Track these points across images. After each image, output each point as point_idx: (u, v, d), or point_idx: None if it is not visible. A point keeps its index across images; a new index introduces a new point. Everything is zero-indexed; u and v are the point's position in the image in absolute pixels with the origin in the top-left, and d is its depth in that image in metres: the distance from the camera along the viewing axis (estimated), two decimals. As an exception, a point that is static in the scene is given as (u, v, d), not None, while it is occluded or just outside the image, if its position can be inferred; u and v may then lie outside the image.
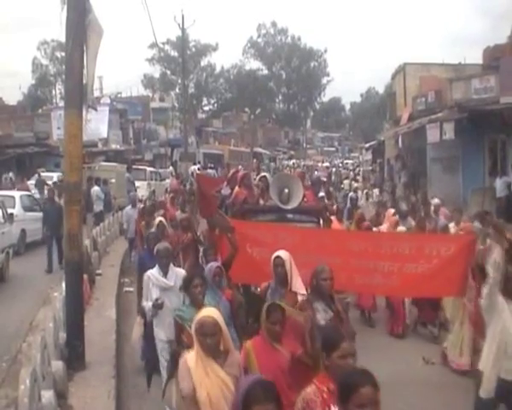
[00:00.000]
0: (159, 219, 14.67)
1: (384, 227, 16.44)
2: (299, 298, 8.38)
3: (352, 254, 11.06)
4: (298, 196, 13.07)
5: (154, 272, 9.92)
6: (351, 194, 28.24)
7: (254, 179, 16.85)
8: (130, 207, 22.60)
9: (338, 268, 9.16)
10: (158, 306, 9.58)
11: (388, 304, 14.55)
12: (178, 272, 9.96)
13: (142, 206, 21.34)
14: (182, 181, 40.51)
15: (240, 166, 72.00)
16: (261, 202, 14.33)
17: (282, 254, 8.72)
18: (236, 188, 15.21)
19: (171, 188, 26.77)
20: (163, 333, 9.65)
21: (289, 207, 12.95)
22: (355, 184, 41.21)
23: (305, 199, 14.75)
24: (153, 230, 13.77)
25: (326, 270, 8.14)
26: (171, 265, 10.17)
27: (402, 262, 10.93)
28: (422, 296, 12.90)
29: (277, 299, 7.88)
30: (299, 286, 8.58)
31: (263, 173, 17.69)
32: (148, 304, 9.82)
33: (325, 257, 9.92)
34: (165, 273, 9.88)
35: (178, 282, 9.30)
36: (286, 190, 13.06)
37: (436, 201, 19.05)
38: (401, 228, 15.70)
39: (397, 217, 16.89)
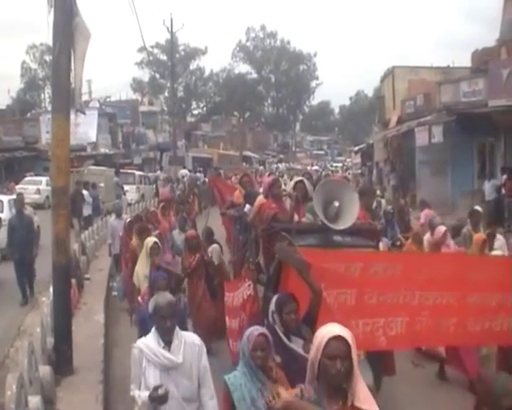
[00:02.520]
0: (152, 240, 12.01)
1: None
2: None
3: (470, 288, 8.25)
4: (352, 211, 9.68)
5: (149, 343, 6.39)
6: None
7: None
8: (114, 217, 20.52)
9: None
10: (160, 398, 6.13)
11: None
12: (189, 339, 6.47)
13: (128, 219, 17.47)
14: (172, 187, 40.35)
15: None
16: (295, 218, 10.53)
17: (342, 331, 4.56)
18: (260, 199, 11.07)
19: (163, 197, 23.93)
20: None
21: (341, 226, 9.50)
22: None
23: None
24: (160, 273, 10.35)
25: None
26: (177, 328, 6.45)
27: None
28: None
29: None
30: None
31: (298, 178, 12.47)
32: (141, 395, 6.38)
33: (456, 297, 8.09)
34: (167, 343, 6.33)
35: (190, 355, 6.38)
36: (336, 204, 9.66)
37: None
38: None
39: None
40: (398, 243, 15.32)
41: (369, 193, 11.91)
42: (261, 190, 12.89)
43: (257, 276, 10.24)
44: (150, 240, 12.05)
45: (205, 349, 6.55)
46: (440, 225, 13.61)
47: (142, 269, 11.90)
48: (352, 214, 9.59)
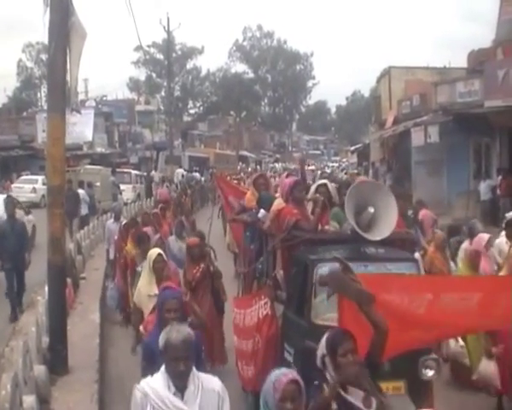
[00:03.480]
0: (156, 251, 10.17)
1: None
2: None
3: None
4: (390, 219, 8.60)
5: (157, 386, 5.18)
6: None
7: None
8: (112, 220, 19.51)
9: None
10: None
11: None
12: (207, 385, 5.24)
13: (124, 222, 16.62)
14: (167, 187, 40.22)
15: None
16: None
17: None
18: (279, 203, 9.68)
19: (161, 198, 22.42)
20: None
21: (377, 237, 8.49)
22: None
23: None
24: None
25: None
26: (193, 370, 5.20)
27: None
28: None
29: None
30: None
31: (322, 181, 11.38)
32: None
33: None
34: (180, 389, 5.12)
35: (209, 405, 5.20)
36: (370, 210, 8.54)
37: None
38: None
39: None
40: (422, 251, 13.01)
41: (404, 197, 10.59)
42: (277, 193, 11.30)
43: (275, 293, 9.08)
44: (154, 252, 10.02)
45: (227, 397, 5.30)
46: (482, 232, 12.40)
47: (145, 287, 9.89)
48: (389, 223, 8.57)
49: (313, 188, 10.42)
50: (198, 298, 10.55)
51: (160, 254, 9.88)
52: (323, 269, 7.82)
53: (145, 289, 9.83)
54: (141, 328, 8.42)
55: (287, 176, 12.42)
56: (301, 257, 8.83)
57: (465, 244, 12.71)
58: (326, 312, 7.84)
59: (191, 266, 11.20)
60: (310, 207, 9.75)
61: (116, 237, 16.36)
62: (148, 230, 14.47)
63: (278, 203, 9.64)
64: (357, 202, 8.59)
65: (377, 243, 8.44)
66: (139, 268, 11.54)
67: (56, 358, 10.77)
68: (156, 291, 8.67)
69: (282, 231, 9.11)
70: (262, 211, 10.05)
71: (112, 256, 17.59)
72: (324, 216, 9.49)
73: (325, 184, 10.42)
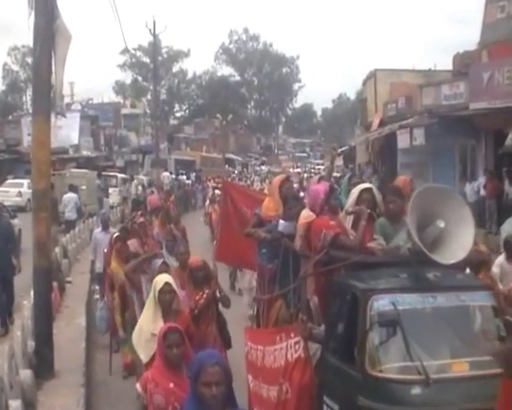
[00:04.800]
0: (163, 279, 7.97)
1: None
2: None
3: None
4: (465, 237, 7.06)
5: None
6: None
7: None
8: (99, 229, 17.38)
9: None
10: None
11: None
12: None
13: (116, 234, 13.45)
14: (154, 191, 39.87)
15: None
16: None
17: None
18: (307, 213, 8.12)
19: (151, 206, 19.44)
20: None
21: (450, 259, 6.87)
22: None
23: None
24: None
25: None
26: None
27: None
28: None
29: None
30: None
31: (365, 185, 9.02)
32: None
33: None
34: None
35: None
36: (440, 224, 6.91)
37: None
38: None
39: None
40: None
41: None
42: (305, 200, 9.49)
43: (309, 329, 7.30)
44: (160, 280, 7.98)
45: None
46: None
47: (148, 324, 7.87)
48: (464, 241, 6.94)
49: (354, 194, 8.20)
50: (201, 329, 8.63)
51: (167, 284, 7.80)
52: (381, 303, 6.37)
53: (148, 326, 7.77)
54: (138, 387, 6.05)
55: (318, 181, 10.38)
56: (346, 284, 7.05)
57: (500, 259, 11.18)
58: (386, 360, 6.37)
59: (193, 291, 9.09)
60: (346, 219, 8.08)
61: (106, 250, 13.93)
62: (133, 243, 12.68)
63: (307, 215, 8.09)
64: (421, 213, 6.91)
65: (442, 265, 6.83)
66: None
67: (42, 362, 10.74)
68: None
69: (316, 251, 7.47)
70: (282, 222, 8.57)
71: (98, 269, 15.79)
72: (369, 230, 7.73)
73: (370, 190, 8.28)
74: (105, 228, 16.79)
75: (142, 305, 9.24)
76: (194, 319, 8.34)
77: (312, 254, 7.53)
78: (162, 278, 7.97)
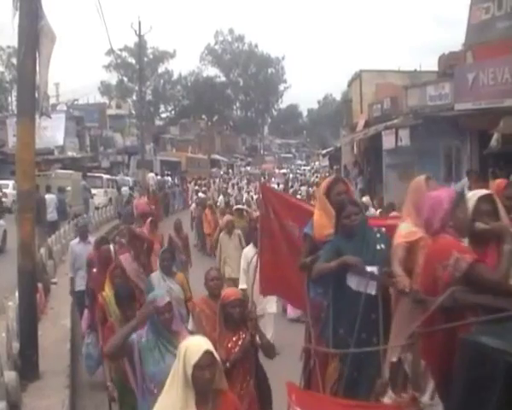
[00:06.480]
0: (202, 347, 5.00)
1: None
2: None
3: None
4: None
5: None
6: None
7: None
8: (77, 240, 14.90)
9: None
10: None
11: None
12: None
13: (112, 252, 11.36)
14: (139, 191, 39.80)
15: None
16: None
17: None
18: (408, 228, 6.13)
19: (139, 211, 16.81)
20: None
21: None
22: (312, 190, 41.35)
23: None
24: None
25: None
26: None
27: None
28: None
29: None
30: None
31: (483, 191, 6.09)
32: None
33: None
34: None
35: None
36: None
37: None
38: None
39: None
40: None
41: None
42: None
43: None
44: (195, 347, 5.03)
45: None
46: None
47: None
48: None
49: (473, 199, 5.85)
50: (236, 385, 6.62)
51: (207, 354, 4.95)
52: None
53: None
54: None
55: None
56: (491, 349, 4.49)
57: None
58: None
59: (225, 334, 6.88)
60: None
61: (94, 269, 11.31)
62: (125, 258, 10.72)
63: (410, 231, 6.02)
64: None
65: None
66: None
67: (27, 363, 10.69)
68: None
69: (438, 288, 5.32)
70: (352, 278, 6.32)
71: (79, 286, 13.59)
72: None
73: (490, 198, 5.91)
74: (83, 238, 14.55)
75: None
76: (226, 374, 5.66)
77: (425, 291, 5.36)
78: (197, 344, 5.09)
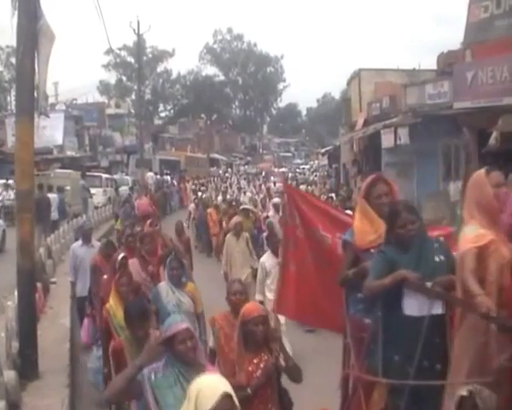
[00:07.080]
0: (220, 391, 3.88)
1: None
2: None
3: None
4: None
5: None
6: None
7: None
8: (80, 243, 14.13)
9: None
10: None
11: None
12: None
13: (121, 255, 10.10)
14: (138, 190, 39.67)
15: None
16: None
17: None
18: (475, 231, 5.42)
19: (140, 212, 16.45)
20: None
21: None
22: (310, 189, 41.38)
23: None
24: None
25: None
26: None
27: None
28: None
29: None
30: None
31: None
32: None
33: None
34: None
35: None
36: None
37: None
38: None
39: None
40: None
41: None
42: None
43: None
44: (212, 389, 3.94)
45: None
46: None
47: None
48: None
49: None
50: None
51: (227, 397, 3.92)
52: None
53: None
54: None
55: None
56: None
57: None
58: None
59: (245, 356, 6.10)
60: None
61: (105, 276, 10.32)
62: (133, 263, 10.33)
63: (478, 234, 5.30)
64: None
65: None
66: None
67: (26, 363, 10.69)
68: None
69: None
70: (410, 303, 5.60)
71: (81, 292, 13.17)
72: None
73: None
74: (86, 241, 13.90)
75: None
76: (245, 401, 5.32)
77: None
78: (213, 387, 3.99)
